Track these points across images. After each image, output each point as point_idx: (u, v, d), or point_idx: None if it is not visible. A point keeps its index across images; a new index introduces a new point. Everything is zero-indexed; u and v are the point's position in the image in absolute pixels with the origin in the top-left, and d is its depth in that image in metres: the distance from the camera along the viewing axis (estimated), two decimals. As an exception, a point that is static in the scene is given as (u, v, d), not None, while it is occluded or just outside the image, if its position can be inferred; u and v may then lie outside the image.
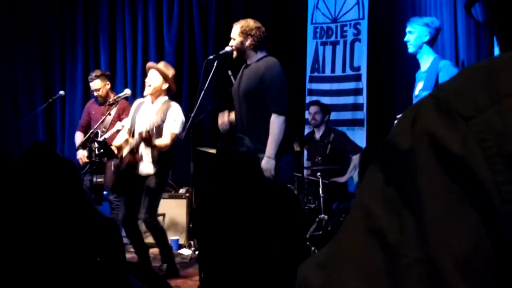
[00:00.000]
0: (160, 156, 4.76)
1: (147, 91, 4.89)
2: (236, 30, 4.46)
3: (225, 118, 4.69)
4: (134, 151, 4.73)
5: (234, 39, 4.46)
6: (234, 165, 2.94)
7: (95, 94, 6.01)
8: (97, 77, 6.00)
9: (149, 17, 7.25)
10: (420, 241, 0.55)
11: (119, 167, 4.90)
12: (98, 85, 5.98)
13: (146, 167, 4.80)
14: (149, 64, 5.06)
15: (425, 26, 4.48)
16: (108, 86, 6.06)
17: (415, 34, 4.51)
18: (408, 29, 4.57)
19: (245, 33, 4.42)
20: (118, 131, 5.42)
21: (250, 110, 4.34)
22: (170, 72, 4.96)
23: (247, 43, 4.41)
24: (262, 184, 2.97)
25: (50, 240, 2.01)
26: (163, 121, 4.76)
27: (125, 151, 4.82)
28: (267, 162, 4.15)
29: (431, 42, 4.54)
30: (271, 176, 4.13)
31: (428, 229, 0.55)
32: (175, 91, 5.14)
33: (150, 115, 4.80)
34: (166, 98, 4.93)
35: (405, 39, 4.60)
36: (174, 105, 4.87)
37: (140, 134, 4.54)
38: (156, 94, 4.89)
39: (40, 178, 2.55)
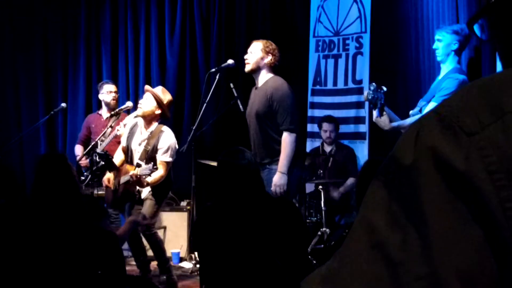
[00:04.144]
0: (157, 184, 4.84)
1: (137, 112, 4.95)
2: (258, 46, 4.53)
3: None
4: (130, 182, 4.78)
5: (252, 53, 4.50)
6: (235, 178, 2.93)
7: (113, 96, 6.05)
8: (112, 82, 6.25)
9: (151, 30, 7.27)
10: (423, 257, 0.55)
11: (117, 191, 4.93)
12: (115, 87, 6.16)
13: (144, 191, 4.91)
14: (147, 87, 5.09)
15: (454, 34, 4.35)
16: None
17: (444, 42, 4.37)
18: (437, 36, 4.45)
19: (267, 51, 4.50)
20: (115, 138, 5.43)
21: (262, 129, 4.47)
22: (166, 98, 4.96)
23: (267, 60, 4.50)
24: (263, 197, 2.97)
25: (52, 253, 2.00)
26: (155, 151, 4.81)
27: (122, 179, 4.86)
28: (280, 178, 4.27)
29: (459, 51, 4.41)
30: (282, 191, 4.22)
31: (431, 245, 0.55)
32: (169, 117, 5.15)
33: (143, 145, 4.88)
34: (158, 123, 4.95)
35: (434, 46, 4.48)
36: (164, 132, 4.89)
37: (131, 176, 4.64)
38: (148, 118, 4.91)
39: (49, 188, 2.56)
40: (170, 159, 4.85)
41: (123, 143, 5.07)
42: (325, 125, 5.97)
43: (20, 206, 1.93)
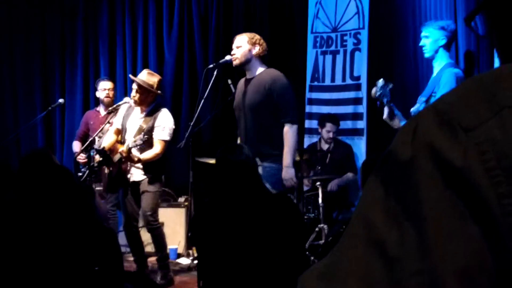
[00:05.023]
0: (150, 163, 4.77)
1: (135, 105, 4.93)
2: (243, 39, 4.47)
3: None
4: (122, 160, 4.75)
5: (240, 47, 4.46)
6: (233, 174, 2.93)
7: (106, 94, 6.04)
8: (108, 79, 6.21)
9: (149, 26, 7.26)
10: (420, 253, 0.55)
11: (112, 173, 4.92)
12: (111, 85, 6.11)
13: (137, 174, 4.83)
14: (132, 77, 5.05)
15: (441, 30, 4.33)
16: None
17: (431, 38, 4.35)
18: (423, 33, 4.43)
19: (253, 42, 4.45)
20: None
21: (257, 122, 4.39)
22: (155, 80, 4.92)
23: (255, 51, 4.44)
24: (261, 193, 2.97)
25: (48, 249, 2.00)
26: (151, 129, 4.76)
27: (116, 158, 4.84)
28: (287, 172, 4.25)
29: (448, 46, 4.38)
30: (294, 184, 4.22)
31: (428, 242, 0.55)
32: (163, 94, 5.12)
33: (138, 124, 4.84)
34: (155, 104, 4.92)
35: (421, 43, 4.46)
36: (162, 112, 4.85)
37: (121, 153, 4.60)
38: (144, 104, 4.88)
39: (37, 186, 2.55)
40: (167, 138, 4.81)
41: (118, 125, 5.01)
42: (330, 126, 5.92)
43: (15, 202, 1.93)
